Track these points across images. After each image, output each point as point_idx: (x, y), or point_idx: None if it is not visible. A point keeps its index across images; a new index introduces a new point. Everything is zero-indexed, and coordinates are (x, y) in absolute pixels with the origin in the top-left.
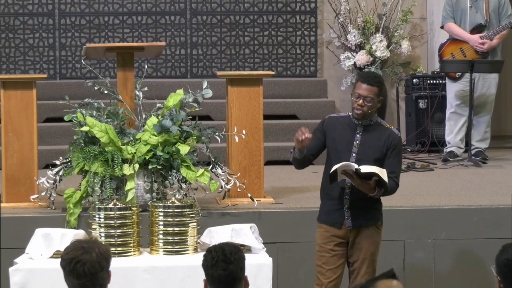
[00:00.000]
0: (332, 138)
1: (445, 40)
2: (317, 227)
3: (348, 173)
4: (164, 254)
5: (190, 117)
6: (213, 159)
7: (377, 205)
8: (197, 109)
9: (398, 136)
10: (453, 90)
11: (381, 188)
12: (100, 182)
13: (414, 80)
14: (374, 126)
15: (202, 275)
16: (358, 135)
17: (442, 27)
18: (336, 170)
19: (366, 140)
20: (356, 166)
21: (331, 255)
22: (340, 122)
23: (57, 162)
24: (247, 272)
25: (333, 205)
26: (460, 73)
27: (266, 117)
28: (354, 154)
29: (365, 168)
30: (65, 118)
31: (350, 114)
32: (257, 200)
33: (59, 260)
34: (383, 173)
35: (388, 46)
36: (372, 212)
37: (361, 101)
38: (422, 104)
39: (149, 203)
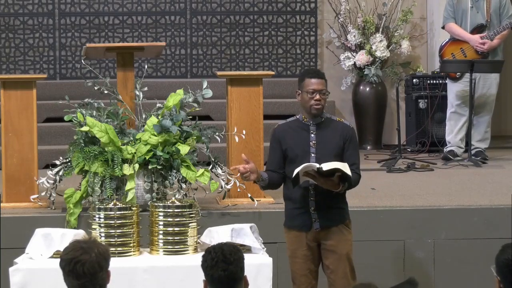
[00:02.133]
0: (288, 145)
1: (446, 40)
2: (284, 232)
3: (310, 173)
4: (164, 254)
5: (190, 117)
6: (213, 159)
7: (342, 204)
8: (197, 109)
9: (351, 127)
10: (453, 90)
11: (344, 182)
12: (100, 182)
13: (414, 80)
14: (326, 122)
15: (202, 275)
16: (312, 135)
17: (443, 27)
18: (298, 173)
19: (322, 138)
20: (317, 165)
21: (303, 260)
22: (291, 127)
23: (57, 162)
24: (247, 272)
25: (298, 208)
26: (460, 73)
27: (266, 117)
28: (313, 154)
29: (326, 166)
30: (65, 118)
31: (298, 116)
32: (257, 200)
33: (59, 260)
34: (345, 167)
35: (388, 46)
36: (338, 211)
37: (318, 96)
38: (422, 104)
39: (149, 203)
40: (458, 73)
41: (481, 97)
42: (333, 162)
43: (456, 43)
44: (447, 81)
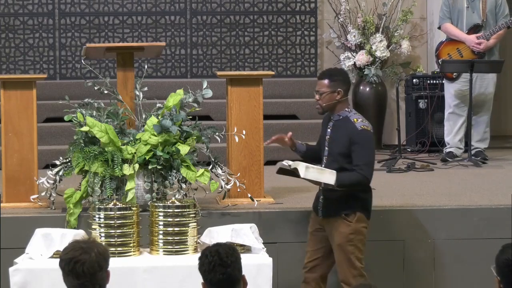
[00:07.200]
0: (320, 132)
1: (442, 40)
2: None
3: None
4: (164, 254)
5: (190, 117)
6: (213, 159)
7: (350, 197)
8: (197, 109)
9: (359, 130)
10: (450, 90)
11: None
12: (100, 182)
13: (414, 80)
14: (342, 121)
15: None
16: (329, 130)
17: (439, 28)
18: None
19: (334, 135)
20: (302, 172)
21: (311, 238)
22: (325, 118)
23: (57, 162)
24: (247, 272)
25: (317, 193)
26: (457, 73)
27: (266, 117)
28: (326, 148)
29: (310, 175)
30: (65, 118)
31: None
32: (257, 200)
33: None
34: (326, 177)
35: (388, 46)
36: (341, 204)
37: (317, 96)
38: (422, 104)
39: (149, 203)
40: (454, 73)
41: (478, 97)
42: (320, 172)
43: (452, 43)
44: (444, 81)
